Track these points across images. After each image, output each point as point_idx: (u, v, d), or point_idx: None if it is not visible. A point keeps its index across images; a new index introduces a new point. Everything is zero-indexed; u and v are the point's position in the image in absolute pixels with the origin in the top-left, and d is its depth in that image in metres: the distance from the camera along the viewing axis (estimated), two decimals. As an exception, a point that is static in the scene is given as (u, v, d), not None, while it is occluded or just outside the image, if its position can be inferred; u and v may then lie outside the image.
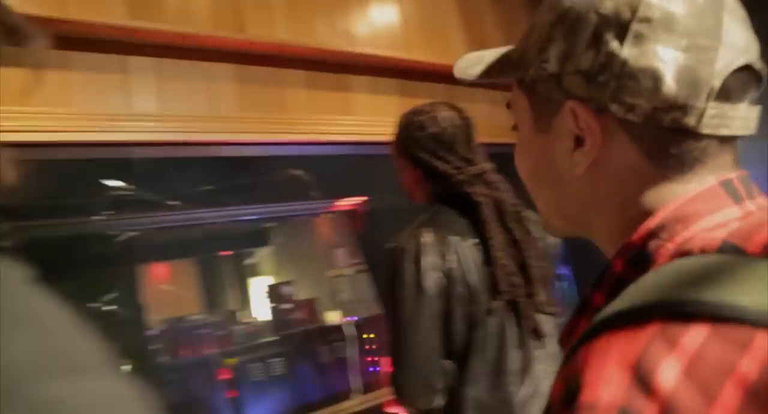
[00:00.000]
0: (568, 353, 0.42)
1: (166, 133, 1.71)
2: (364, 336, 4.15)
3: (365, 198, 3.43)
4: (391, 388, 1.32)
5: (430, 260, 1.29)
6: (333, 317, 4.23)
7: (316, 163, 2.75)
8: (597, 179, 0.53)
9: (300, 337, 4.02)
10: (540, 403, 1.32)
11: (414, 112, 1.47)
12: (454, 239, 1.33)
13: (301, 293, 4.52)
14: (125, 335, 3.05)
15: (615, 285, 0.48)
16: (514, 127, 0.63)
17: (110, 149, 1.75)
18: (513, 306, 1.33)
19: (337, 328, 4.09)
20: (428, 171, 1.42)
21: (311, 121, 1.99)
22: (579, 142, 0.53)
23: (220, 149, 1.93)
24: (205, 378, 3.72)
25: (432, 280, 1.28)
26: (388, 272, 1.31)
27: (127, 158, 2.09)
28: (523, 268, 1.35)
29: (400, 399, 1.30)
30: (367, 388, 3.83)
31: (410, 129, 1.44)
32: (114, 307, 3.02)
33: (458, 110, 1.47)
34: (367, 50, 2.13)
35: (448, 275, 1.29)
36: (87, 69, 1.60)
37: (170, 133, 1.72)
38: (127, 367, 2.92)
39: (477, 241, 1.35)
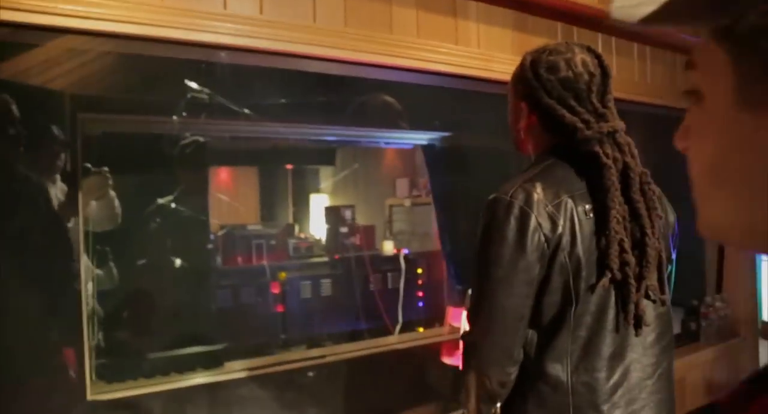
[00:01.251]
0: None
1: (262, 40, 1.56)
2: (419, 271, 4.10)
3: (446, 134, 3.24)
4: (465, 350, 1.21)
5: (538, 221, 1.13)
6: (388, 247, 4.17)
7: (402, 89, 2.57)
8: None
9: (353, 261, 3.99)
10: (628, 395, 1.19)
11: (545, 51, 1.24)
12: (568, 201, 1.16)
13: (360, 218, 4.46)
14: (187, 234, 3.06)
15: None
16: (691, 95, 0.45)
17: (199, 50, 1.62)
18: (619, 286, 1.17)
19: (391, 259, 4.05)
20: (550, 120, 1.22)
21: (418, 45, 1.79)
22: None
23: (310, 63, 1.76)
24: (255, 288, 3.76)
25: (536, 242, 1.12)
26: (487, 225, 1.16)
27: (213, 61, 1.97)
28: (638, 246, 1.18)
29: (474, 364, 1.18)
30: (412, 324, 3.83)
31: (538, 69, 1.22)
32: (179, 206, 3.01)
33: (598, 56, 1.25)
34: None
35: (555, 240, 1.13)
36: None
37: (266, 40, 1.57)
38: (179, 265, 2.96)
39: (592, 207, 1.17)
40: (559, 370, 1.18)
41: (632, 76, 2.56)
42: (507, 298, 1.13)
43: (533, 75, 1.23)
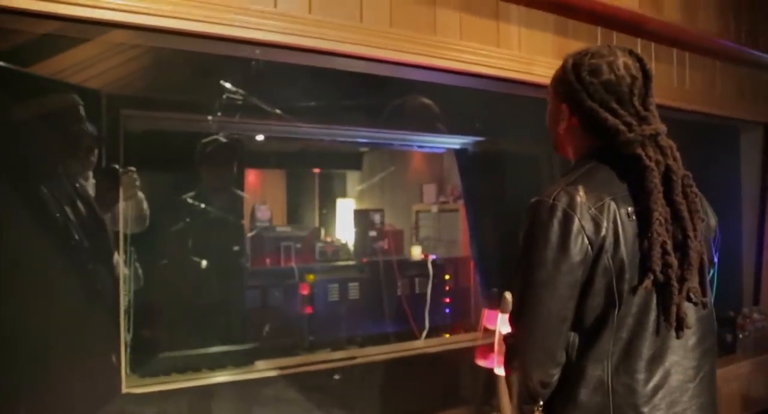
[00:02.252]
0: None
1: (309, 38, 1.58)
2: (446, 276, 4.09)
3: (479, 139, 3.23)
4: (508, 351, 1.20)
5: (582, 223, 1.12)
6: (416, 252, 4.17)
7: (437, 92, 2.57)
8: None
9: (381, 266, 3.99)
10: (669, 397, 1.18)
11: (587, 53, 1.24)
12: (611, 204, 1.15)
13: (388, 222, 4.46)
14: (214, 233, 3.09)
15: None
16: None
17: (245, 47, 1.64)
18: (661, 288, 1.16)
19: (419, 264, 4.04)
20: (592, 123, 1.21)
21: (461, 47, 1.81)
22: None
23: (355, 63, 1.78)
24: (282, 289, 3.79)
25: (580, 245, 1.12)
26: (530, 228, 1.16)
27: (252, 58, 1.99)
28: (680, 248, 1.17)
29: (518, 365, 1.18)
30: (438, 330, 3.82)
31: (580, 71, 1.22)
32: (207, 205, 3.04)
33: (640, 60, 1.24)
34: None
35: (599, 243, 1.13)
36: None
37: (313, 39, 1.59)
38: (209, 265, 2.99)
39: (635, 209, 1.17)
40: (600, 371, 1.17)
41: (671, 82, 2.54)
42: (550, 300, 1.12)
43: (575, 77, 1.22)
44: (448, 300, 4.09)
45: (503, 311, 1.82)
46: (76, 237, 2.06)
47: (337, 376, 2.83)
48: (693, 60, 2.65)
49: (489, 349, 1.87)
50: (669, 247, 1.15)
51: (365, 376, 2.89)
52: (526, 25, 2.02)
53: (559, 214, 1.13)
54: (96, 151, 2.18)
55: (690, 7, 2.44)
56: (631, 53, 1.24)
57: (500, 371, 1.81)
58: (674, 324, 1.17)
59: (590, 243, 1.13)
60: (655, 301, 1.17)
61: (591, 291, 1.15)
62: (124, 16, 1.35)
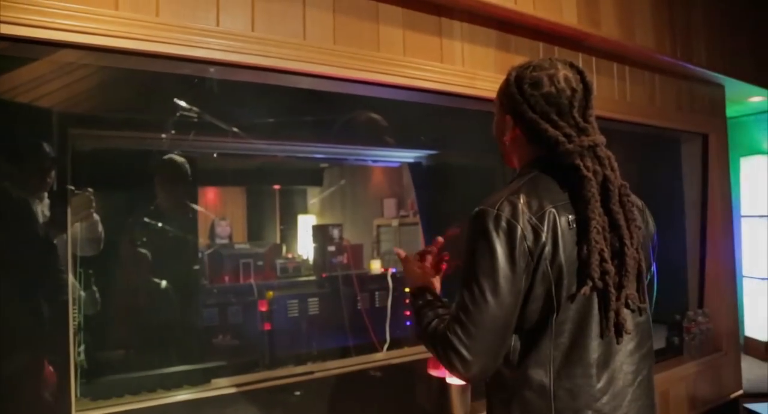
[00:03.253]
0: None
1: (253, 55, 1.61)
2: (406, 290, 4.11)
3: (432, 152, 3.29)
4: (450, 355, 1.18)
5: (524, 232, 1.16)
6: (376, 266, 4.19)
7: (388, 107, 2.61)
8: None
9: (341, 280, 3.99)
10: (613, 402, 1.22)
11: (529, 66, 1.28)
12: (552, 212, 1.19)
13: (347, 238, 4.48)
14: (172, 253, 3.05)
15: None
16: None
17: (190, 65, 1.65)
18: (600, 295, 1.20)
19: (379, 278, 4.06)
20: (533, 134, 1.26)
21: (404, 63, 1.85)
22: None
23: (300, 80, 1.81)
24: (242, 306, 3.75)
25: (522, 253, 1.15)
26: (474, 237, 1.18)
27: (202, 77, 2.01)
28: (618, 255, 1.21)
29: (461, 367, 1.16)
30: (399, 342, 3.82)
31: (522, 83, 1.26)
32: (164, 225, 3.01)
33: (580, 72, 1.28)
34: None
35: (539, 250, 1.16)
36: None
37: (257, 56, 1.61)
38: (166, 285, 2.95)
39: (574, 218, 1.21)
40: (542, 375, 1.19)
41: (613, 95, 2.64)
42: (499, 307, 1.14)
43: (517, 90, 1.26)
44: (408, 313, 4.11)
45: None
46: (25, 259, 2.02)
47: (298, 393, 2.81)
48: (633, 74, 2.76)
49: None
50: (606, 254, 1.18)
51: (326, 390, 2.88)
52: (468, 41, 2.08)
53: (503, 224, 1.15)
54: (52, 172, 2.15)
55: (626, 24, 2.55)
56: (572, 66, 1.28)
57: (452, 380, 1.83)
58: (613, 330, 1.22)
59: (530, 251, 1.16)
60: (596, 307, 1.21)
61: (531, 297, 1.18)
62: (64, 35, 1.35)
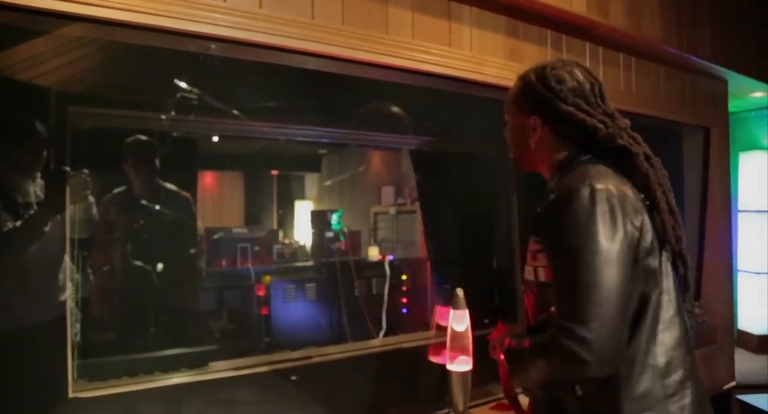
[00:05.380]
0: None
1: (259, 33, 1.58)
2: (403, 277, 4.12)
3: (432, 138, 3.27)
4: (570, 352, 1.08)
5: (623, 208, 1.16)
6: (373, 253, 4.19)
7: (393, 92, 2.59)
8: None
9: (338, 267, 3.99)
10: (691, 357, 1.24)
11: (546, 67, 1.33)
12: (629, 191, 1.21)
13: (345, 223, 4.47)
14: (170, 236, 3.03)
15: None
16: None
17: (193, 41, 1.62)
18: (678, 257, 1.25)
19: (376, 265, 4.06)
20: (569, 127, 1.29)
21: (413, 46, 1.83)
22: None
23: (305, 60, 1.78)
24: (239, 290, 3.74)
25: (628, 227, 1.15)
26: (574, 216, 1.14)
27: (203, 54, 1.97)
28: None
29: (582, 366, 1.07)
30: (395, 329, 3.83)
31: (548, 82, 1.30)
32: (162, 207, 2.98)
33: (587, 70, 1.35)
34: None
35: (639, 225, 1.17)
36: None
37: (263, 34, 1.58)
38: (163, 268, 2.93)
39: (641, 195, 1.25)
40: (656, 357, 1.18)
41: (618, 85, 2.62)
42: (615, 280, 1.09)
43: (544, 88, 1.30)
44: (405, 300, 4.12)
45: (455, 307, 1.83)
46: (20, 240, 1.99)
47: (294, 377, 2.81)
48: (639, 65, 2.75)
49: (442, 345, 1.88)
50: (672, 222, 1.25)
51: (322, 375, 2.88)
52: (477, 26, 2.06)
53: (601, 197, 1.14)
54: (45, 151, 2.11)
55: (635, 14, 2.53)
56: (579, 64, 1.36)
57: (452, 367, 1.83)
58: (689, 290, 1.28)
59: (633, 227, 1.16)
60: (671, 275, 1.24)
61: (634, 273, 1.15)
62: (64, 5, 1.31)
